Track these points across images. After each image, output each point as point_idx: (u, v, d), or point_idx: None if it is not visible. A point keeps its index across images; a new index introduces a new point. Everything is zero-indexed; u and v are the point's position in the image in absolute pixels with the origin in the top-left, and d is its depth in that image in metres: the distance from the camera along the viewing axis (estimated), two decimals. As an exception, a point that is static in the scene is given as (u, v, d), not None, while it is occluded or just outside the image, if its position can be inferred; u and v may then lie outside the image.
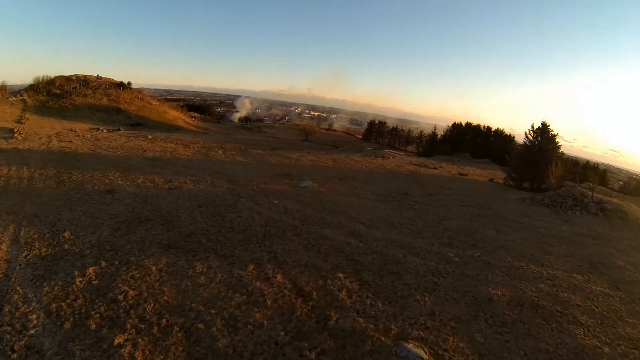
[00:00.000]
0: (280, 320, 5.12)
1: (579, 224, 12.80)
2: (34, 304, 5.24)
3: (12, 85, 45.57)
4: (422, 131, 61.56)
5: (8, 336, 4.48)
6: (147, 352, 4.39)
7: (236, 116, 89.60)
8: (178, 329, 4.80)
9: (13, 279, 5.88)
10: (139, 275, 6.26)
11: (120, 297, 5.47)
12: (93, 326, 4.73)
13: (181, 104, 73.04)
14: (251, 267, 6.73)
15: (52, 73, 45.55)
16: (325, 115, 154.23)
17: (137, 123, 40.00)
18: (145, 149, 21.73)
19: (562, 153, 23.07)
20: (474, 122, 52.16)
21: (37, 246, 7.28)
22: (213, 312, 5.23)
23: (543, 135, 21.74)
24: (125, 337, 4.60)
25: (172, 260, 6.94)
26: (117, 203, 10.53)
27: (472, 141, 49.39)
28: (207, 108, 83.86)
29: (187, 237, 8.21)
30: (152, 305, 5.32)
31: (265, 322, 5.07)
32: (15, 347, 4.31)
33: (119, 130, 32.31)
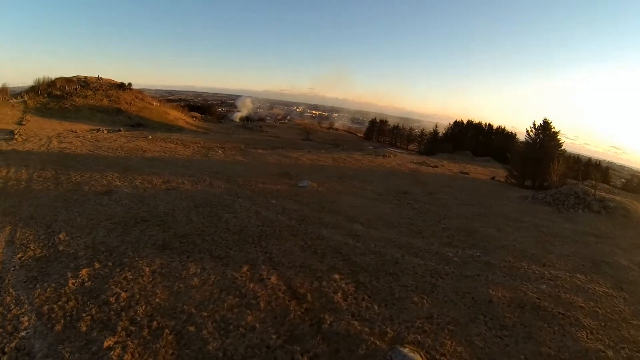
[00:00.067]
0: (273, 323, 5.01)
1: (581, 222, 12.58)
2: (26, 306, 5.22)
3: (14, 87, 45.82)
4: (423, 129, 61.27)
5: (-1, 338, 4.45)
6: (137, 355, 4.32)
7: (237, 116, 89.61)
8: (169, 332, 4.74)
9: (6, 281, 5.86)
10: (131, 276, 6.20)
11: (112, 299, 5.43)
12: (84, 328, 4.71)
13: (182, 104, 73.16)
14: (245, 268, 6.62)
15: (53, 75, 45.72)
16: (326, 114, 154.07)
17: (138, 124, 40.09)
18: (145, 149, 21.71)
19: (564, 150, 22.83)
20: (476, 120, 51.87)
21: (32, 248, 7.25)
22: (205, 314, 5.16)
23: (544, 133, 21.50)
24: (115, 339, 4.55)
25: (166, 261, 6.88)
26: (114, 204, 10.48)
27: (473, 139, 49.11)
28: (209, 108, 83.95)
29: (182, 237, 8.13)
30: (143, 307, 5.28)
31: (257, 325, 4.97)
32: (6, 349, 4.30)
33: (120, 131, 32.37)
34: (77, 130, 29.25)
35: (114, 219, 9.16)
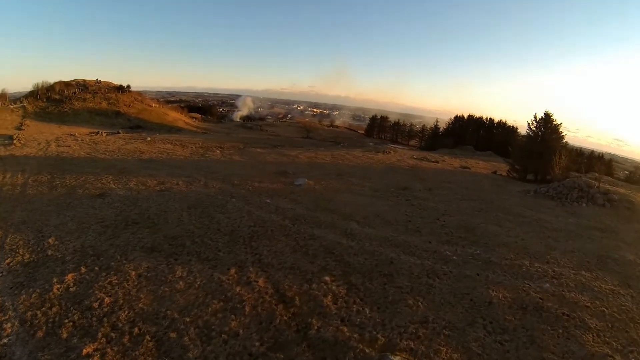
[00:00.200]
0: (257, 329, 4.76)
1: (585, 216, 12.19)
2: (10, 312, 5.15)
3: (14, 92, 46.00)
4: (424, 125, 60.69)
5: (-19, 345, 4.31)
6: (115, 362, 4.14)
7: (237, 115, 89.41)
8: (149, 338, 4.58)
9: (-7, 288, 5.70)
10: (117, 281, 6.04)
11: (96, 305, 5.30)
12: (64, 335, 4.61)
13: (182, 105, 73.06)
14: (233, 270, 6.38)
15: (52, 79, 45.78)
16: (328, 112, 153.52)
17: (137, 125, 40.00)
18: (143, 151, 21.58)
19: (566, 143, 22.35)
20: (477, 114, 51.16)
21: (20, 253, 7.13)
22: (187, 320, 4.97)
23: (546, 126, 21.03)
24: (95, 346, 4.43)
25: (153, 264, 6.70)
26: (107, 207, 10.31)
27: (474, 134, 48.52)
28: (209, 108, 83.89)
29: (171, 239, 7.93)
30: (126, 312, 5.13)
31: (241, 331, 4.74)
32: (-13, 356, 4.18)
33: (118, 133, 32.29)
34: (76, 134, 29.21)
35: (104, 222, 9.00)
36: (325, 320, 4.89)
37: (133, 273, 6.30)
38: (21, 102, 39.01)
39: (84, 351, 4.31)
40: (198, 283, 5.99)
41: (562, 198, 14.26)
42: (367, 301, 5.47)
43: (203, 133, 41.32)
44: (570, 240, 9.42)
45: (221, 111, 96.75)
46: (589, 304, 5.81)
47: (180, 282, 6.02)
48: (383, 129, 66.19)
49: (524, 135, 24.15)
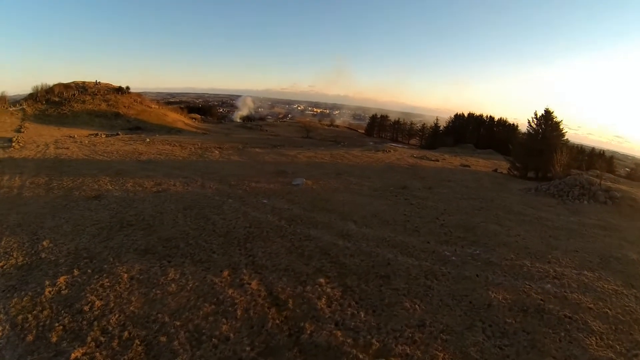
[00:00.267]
0: (249, 333, 4.63)
1: (587, 214, 11.99)
2: (1, 315, 5.12)
3: (13, 95, 46.02)
4: (424, 124, 60.49)
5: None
6: (104, 368, 4.06)
7: (238, 115, 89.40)
8: (139, 343, 4.50)
9: (-15, 292, 5.66)
10: (108, 284, 5.95)
11: (86, 308, 5.22)
12: (54, 339, 4.55)
13: (182, 106, 73.06)
14: (226, 272, 6.24)
15: (51, 81, 45.81)
16: (328, 111, 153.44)
17: (136, 127, 39.99)
18: (141, 152, 21.51)
19: (567, 140, 22.13)
20: (478, 112, 50.91)
21: (14, 256, 7.05)
22: (178, 323, 4.86)
23: (547, 123, 20.82)
24: (84, 350, 4.36)
25: (146, 266, 6.59)
26: (102, 209, 10.22)
27: (475, 132, 48.31)
28: (209, 109, 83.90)
29: (165, 241, 7.82)
30: (116, 316, 5.05)
31: (231, 335, 4.61)
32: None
33: (118, 134, 32.28)
34: (75, 136, 29.20)
35: (99, 224, 8.91)
36: (319, 324, 4.74)
37: (125, 275, 6.21)
38: (20, 105, 39.05)
39: (73, 355, 4.25)
40: (190, 285, 5.87)
41: (563, 196, 14.06)
42: (363, 304, 5.31)
43: (203, 134, 41.25)
44: (571, 239, 9.24)
45: (221, 112, 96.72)
46: (591, 305, 5.64)
47: (173, 285, 5.92)
48: (383, 128, 66.06)
49: (525, 133, 23.95)
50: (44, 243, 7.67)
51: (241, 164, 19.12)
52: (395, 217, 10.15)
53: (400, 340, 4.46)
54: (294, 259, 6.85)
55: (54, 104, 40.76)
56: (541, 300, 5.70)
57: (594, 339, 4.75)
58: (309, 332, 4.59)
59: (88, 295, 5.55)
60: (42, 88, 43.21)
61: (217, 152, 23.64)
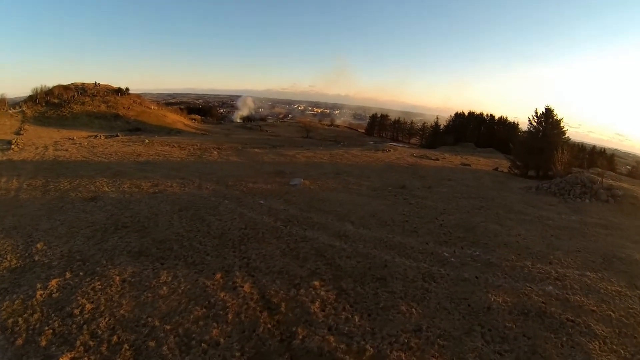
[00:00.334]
0: (239, 338, 4.50)
1: (589, 212, 11.79)
2: None
3: (13, 97, 46.05)
4: (424, 123, 60.29)
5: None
6: (91, 372, 3.95)
7: (238, 115, 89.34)
8: (128, 347, 4.41)
9: (-22, 294, 5.60)
10: (100, 286, 5.86)
11: (77, 311, 5.15)
12: (43, 343, 4.49)
13: (182, 107, 73.08)
14: (219, 275, 6.11)
15: (51, 83, 45.81)
16: (328, 111, 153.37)
17: (136, 128, 39.93)
18: (140, 153, 21.43)
19: (568, 138, 21.90)
20: (478, 111, 50.64)
21: (8, 258, 6.98)
22: (168, 327, 4.75)
23: (547, 121, 20.60)
24: (72, 355, 4.29)
25: (139, 269, 6.49)
26: (98, 210, 10.12)
27: (475, 130, 48.06)
28: (209, 110, 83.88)
29: (159, 243, 7.71)
30: (106, 319, 4.96)
31: (222, 340, 4.48)
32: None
33: (117, 136, 32.21)
34: (75, 137, 29.16)
35: (94, 226, 8.82)
36: (311, 329, 4.59)
37: (117, 278, 6.11)
38: (20, 107, 39.04)
39: (61, 360, 4.13)
40: (182, 288, 5.75)
41: (564, 194, 13.86)
42: (357, 308, 5.15)
43: (202, 134, 41.17)
44: (573, 238, 9.05)
45: (222, 112, 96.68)
46: (594, 308, 5.46)
47: (164, 288, 5.81)
48: (384, 127, 65.92)
49: (525, 131, 23.74)
50: (38, 245, 7.60)
51: (239, 165, 18.99)
52: (393, 217, 9.98)
53: (395, 346, 4.30)
54: (288, 261, 6.70)
55: (54, 105, 40.74)
56: (542, 302, 5.53)
57: (597, 343, 4.57)
58: (301, 337, 4.44)
59: (79, 298, 5.48)
60: (41, 90, 43.20)
61: (215, 152, 23.54)
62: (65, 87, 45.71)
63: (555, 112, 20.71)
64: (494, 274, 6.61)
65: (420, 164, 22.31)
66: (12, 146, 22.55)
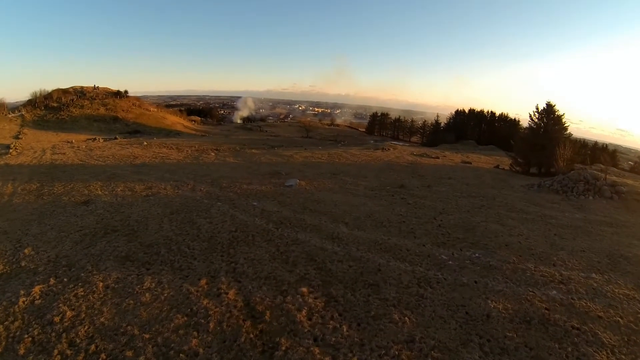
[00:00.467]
0: (219, 349, 4.22)
1: (593, 210, 11.40)
2: None
3: (12, 102, 46.15)
4: (425, 121, 59.88)
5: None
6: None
7: (238, 116, 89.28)
8: (105, 357, 4.21)
9: (-40, 301, 5.43)
10: (82, 293, 5.65)
11: (57, 319, 4.96)
12: (22, 351, 4.33)
13: (182, 108, 73.08)
14: (204, 281, 5.82)
15: (50, 87, 45.84)
16: (329, 111, 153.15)
17: (135, 130, 39.85)
18: (137, 155, 21.24)
19: (570, 134, 21.46)
20: (479, 108, 50.14)
21: None
22: (147, 336, 4.52)
23: (548, 117, 20.18)
24: None
25: (124, 274, 6.25)
26: (89, 214, 9.90)
27: (476, 128, 47.61)
28: (209, 111, 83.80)
29: (147, 247, 7.46)
30: (86, 327, 4.76)
31: (201, 350, 4.21)
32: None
33: (116, 139, 32.11)
34: (73, 141, 29.09)
35: (83, 231, 8.61)
36: (296, 340, 4.29)
37: (101, 284, 5.88)
38: (19, 111, 39.07)
39: (37, 369, 3.94)
40: (165, 295, 5.49)
41: (567, 192, 13.47)
42: (347, 316, 4.83)
43: (202, 136, 41.05)
44: (578, 237, 8.69)
45: (222, 113, 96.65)
46: (601, 314, 5.11)
47: (147, 294, 5.56)
48: (384, 126, 65.59)
49: (526, 128, 23.32)
50: (26, 251, 7.41)
51: (235, 166, 18.73)
52: (390, 218, 9.66)
53: (385, 359, 3.99)
54: (277, 265, 6.40)
55: (53, 109, 40.75)
56: (546, 309, 5.18)
57: (604, 353, 4.23)
58: (284, 348, 4.14)
59: (60, 305, 5.29)
60: (40, 94, 43.26)
61: (213, 154, 23.31)
62: (64, 91, 45.74)
63: (556, 107, 20.30)
64: (494, 277, 6.27)
65: (420, 163, 21.95)
66: (10, 150, 22.48)
